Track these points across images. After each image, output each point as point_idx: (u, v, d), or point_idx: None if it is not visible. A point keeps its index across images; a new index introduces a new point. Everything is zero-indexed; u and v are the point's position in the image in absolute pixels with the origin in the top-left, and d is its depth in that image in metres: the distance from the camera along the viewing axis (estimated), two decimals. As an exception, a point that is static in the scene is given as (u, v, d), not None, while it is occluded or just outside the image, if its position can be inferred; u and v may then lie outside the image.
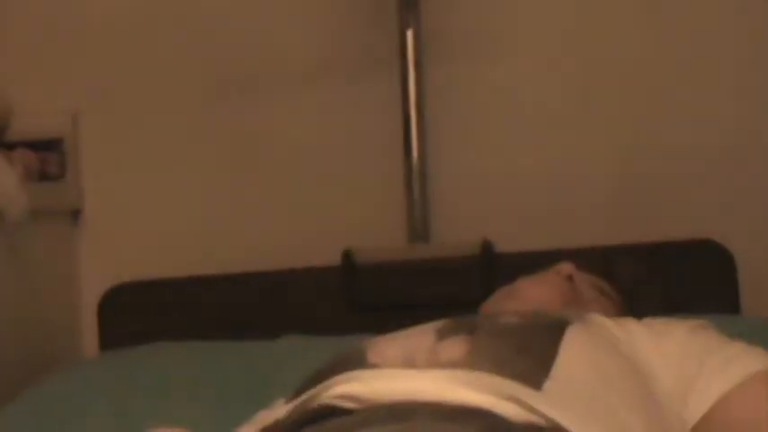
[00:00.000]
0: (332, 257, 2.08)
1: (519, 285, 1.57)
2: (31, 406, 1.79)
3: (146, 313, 2.14)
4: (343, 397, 1.12)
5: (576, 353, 1.18)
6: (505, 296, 1.56)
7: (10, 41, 2.30)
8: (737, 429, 1.19)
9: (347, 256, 2.08)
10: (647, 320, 1.34)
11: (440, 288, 2.03)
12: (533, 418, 1.05)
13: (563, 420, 1.04)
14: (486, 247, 2.03)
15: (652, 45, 2.08)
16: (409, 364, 1.16)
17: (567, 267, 1.59)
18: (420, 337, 1.22)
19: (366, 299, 2.07)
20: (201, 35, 2.26)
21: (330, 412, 1.11)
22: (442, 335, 1.20)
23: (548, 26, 2.14)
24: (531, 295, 1.52)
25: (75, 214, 2.30)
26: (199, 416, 1.62)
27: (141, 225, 2.28)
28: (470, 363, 1.13)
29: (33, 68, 2.29)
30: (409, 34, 2.12)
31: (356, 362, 1.18)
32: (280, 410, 1.19)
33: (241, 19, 2.24)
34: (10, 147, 2.16)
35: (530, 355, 1.15)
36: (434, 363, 1.15)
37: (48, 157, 2.24)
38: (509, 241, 2.05)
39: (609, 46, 2.10)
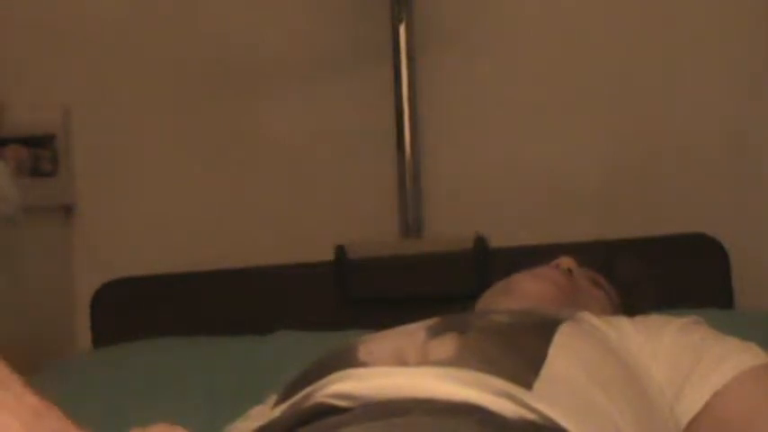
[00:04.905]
0: (325, 253, 2.08)
1: (515, 280, 1.54)
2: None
3: (138, 309, 2.14)
4: (336, 395, 1.11)
5: (566, 352, 1.17)
6: (502, 291, 1.54)
7: (1, 38, 2.29)
8: (732, 425, 1.19)
9: (340, 251, 2.07)
10: (640, 318, 1.34)
11: (433, 283, 2.03)
12: (527, 414, 1.05)
13: (556, 416, 1.04)
14: (479, 241, 2.03)
15: (647, 40, 2.08)
16: (400, 362, 1.15)
17: (566, 261, 1.58)
18: (411, 335, 1.21)
19: (359, 294, 2.06)
20: (193, 31, 2.25)
21: (324, 411, 1.10)
22: (432, 333, 1.20)
23: (542, 19, 2.13)
24: (527, 290, 1.50)
25: (68, 210, 2.30)
26: (191, 412, 1.62)
27: (134, 221, 2.27)
28: (460, 362, 1.12)
29: (25, 64, 2.29)
30: (402, 28, 2.12)
31: (347, 360, 1.18)
32: (273, 411, 1.19)
33: (232, 14, 2.24)
34: (2, 143, 2.15)
35: (520, 355, 1.15)
36: (425, 361, 1.14)
37: (40, 153, 2.23)
38: (502, 236, 2.05)
39: (604, 39, 2.10)
